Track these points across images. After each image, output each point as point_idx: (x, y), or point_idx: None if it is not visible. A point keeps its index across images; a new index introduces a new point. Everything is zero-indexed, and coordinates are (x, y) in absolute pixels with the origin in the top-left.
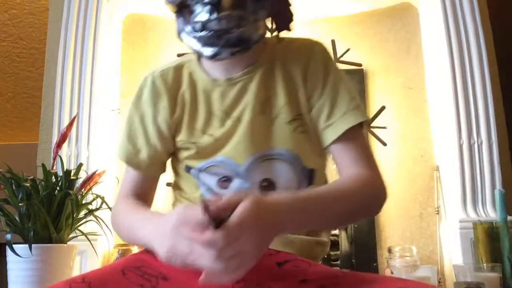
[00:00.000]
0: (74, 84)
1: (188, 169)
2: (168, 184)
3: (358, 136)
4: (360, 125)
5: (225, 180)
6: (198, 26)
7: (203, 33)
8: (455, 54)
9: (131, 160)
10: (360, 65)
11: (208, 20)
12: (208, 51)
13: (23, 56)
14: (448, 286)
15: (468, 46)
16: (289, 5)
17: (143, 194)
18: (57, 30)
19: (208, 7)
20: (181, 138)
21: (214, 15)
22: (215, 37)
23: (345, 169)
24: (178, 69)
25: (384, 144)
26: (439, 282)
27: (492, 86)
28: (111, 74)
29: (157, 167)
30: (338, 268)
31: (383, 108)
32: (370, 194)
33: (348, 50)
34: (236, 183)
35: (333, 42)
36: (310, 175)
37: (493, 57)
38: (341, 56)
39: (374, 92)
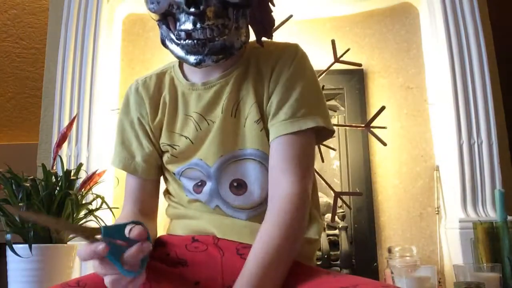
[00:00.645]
0: (74, 84)
1: (173, 173)
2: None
3: (296, 142)
4: (302, 134)
5: (200, 185)
6: (182, 34)
7: (187, 42)
8: (455, 54)
9: (128, 166)
10: (360, 65)
11: (193, 30)
12: (192, 58)
13: (23, 56)
14: (448, 286)
15: (468, 46)
16: (271, 11)
17: (146, 200)
18: (57, 30)
19: (192, 17)
20: (162, 140)
21: (199, 25)
22: (199, 46)
23: (274, 176)
24: (160, 76)
25: (384, 144)
26: (439, 282)
27: (492, 86)
28: (111, 74)
29: (154, 170)
30: (338, 268)
31: (383, 108)
32: (294, 225)
33: (348, 50)
34: (208, 187)
35: (333, 42)
36: None
37: (493, 57)
38: (341, 56)
39: (374, 92)
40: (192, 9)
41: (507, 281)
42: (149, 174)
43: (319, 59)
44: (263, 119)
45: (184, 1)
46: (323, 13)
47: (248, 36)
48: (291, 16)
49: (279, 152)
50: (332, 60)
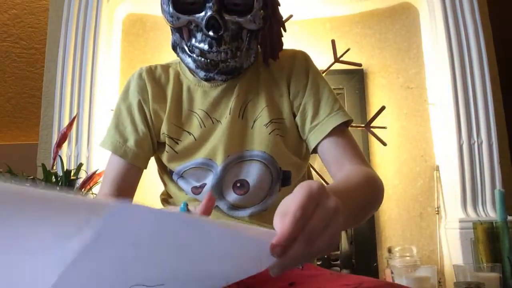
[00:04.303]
0: (74, 84)
1: (171, 173)
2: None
3: (347, 134)
4: (346, 127)
5: (199, 187)
6: (197, 51)
7: (200, 59)
8: (455, 54)
9: (119, 149)
10: (360, 65)
11: (208, 51)
12: (202, 74)
13: (23, 56)
14: (448, 286)
15: (468, 46)
16: (281, 36)
17: (125, 188)
18: (57, 30)
19: (209, 39)
20: (163, 131)
21: (215, 48)
22: (211, 65)
23: (338, 165)
24: (165, 68)
25: (384, 144)
26: (439, 282)
27: (492, 86)
28: (111, 74)
29: (143, 156)
30: (338, 268)
31: (383, 108)
32: (378, 185)
33: (348, 50)
34: (209, 186)
35: (333, 42)
36: (285, 177)
37: (493, 57)
38: (341, 56)
39: (374, 92)
40: (211, 33)
41: (507, 281)
42: (138, 159)
43: (319, 59)
44: (278, 122)
45: (205, 24)
46: (323, 13)
47: (257, 56)
48: (291, 16)
49: (336, 146)
50: (332, 60)
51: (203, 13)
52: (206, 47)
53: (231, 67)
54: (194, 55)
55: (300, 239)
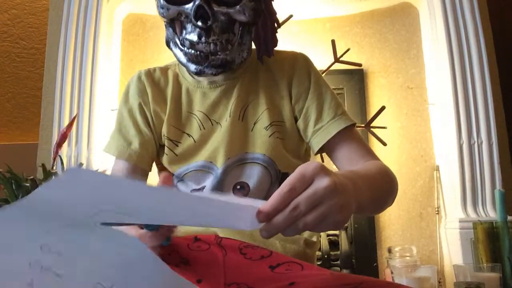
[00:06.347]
0: (74, 84)
1: (172, 174)
2: None
3: (355, 134)
4: (352, 128)
5: (199, 189)
6: (187, 43)
7: (190, 51)
8: (455, 54)
9: (123, 153)
10: (360, 65)
11: (197, 42)
12: (192, 67)
13: (23, 56)
14: (448, 286)
15: (468, 46)
16: (276, 32)
17: None
18: (57, 30)
19: (198, 30)
20: (163, 132)
21: (203, 39)
22: (201, 57)
23: (351, 162)
24: (163, 70)
25: (384, 144)
26: (439, 282)
27: (492, 86)
28: (111, 74)
29: (148, 158)
30: (338, 268)
31: (383, 108)
32: (392, 178)
33: (348, 50)
34: (208, 188)
35: (333, 42)
36: (284, 179)
37: (493, 57)
38: (341, 56)
39: (374, 92)
40: (200, 23)
41: (507, 281)
42: (143, 161)
43: (319, 59)
44: (279, 125)
45: (193, 14)
46: (323, 13)
47: (250, 51)
48: (291, 16)
49: (346, 147)
50: (332, 60)
51: (191, 4)
52: (195, 38)
53: (221, 60)
54: (185, 48)
55: (284, 211)
